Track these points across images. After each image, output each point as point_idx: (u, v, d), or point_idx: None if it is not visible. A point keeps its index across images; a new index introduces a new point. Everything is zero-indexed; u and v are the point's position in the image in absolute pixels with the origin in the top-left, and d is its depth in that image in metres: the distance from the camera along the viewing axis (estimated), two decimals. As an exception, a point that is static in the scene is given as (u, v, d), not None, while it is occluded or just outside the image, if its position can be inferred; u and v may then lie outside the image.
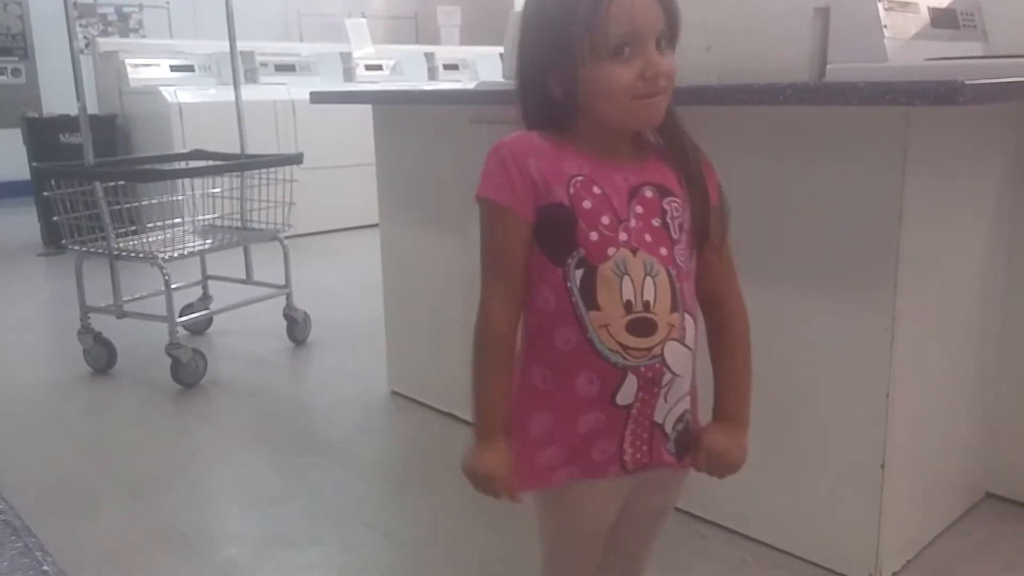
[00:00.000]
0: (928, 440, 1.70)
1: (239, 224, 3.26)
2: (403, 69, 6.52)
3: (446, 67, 6.85)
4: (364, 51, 6.35)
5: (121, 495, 2.09)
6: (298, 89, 5.24)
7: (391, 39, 8.06)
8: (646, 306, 0.94)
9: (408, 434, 2.48)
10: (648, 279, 0.95)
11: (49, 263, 4.99)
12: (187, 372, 2.79)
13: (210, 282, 3.40)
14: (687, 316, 0.98)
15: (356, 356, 3.09)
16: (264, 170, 3.11)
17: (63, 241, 2.95)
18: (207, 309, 3.32)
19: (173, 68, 5.50)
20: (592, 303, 0.93)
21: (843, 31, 1.83)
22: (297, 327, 3.25)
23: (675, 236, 0.97)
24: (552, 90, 0.95)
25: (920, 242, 1.51)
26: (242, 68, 4.93)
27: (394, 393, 2.70)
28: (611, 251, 0.94)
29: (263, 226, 3.19)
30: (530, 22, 0.97)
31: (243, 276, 3.35)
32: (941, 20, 1.97)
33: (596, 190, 0.95)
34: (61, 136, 5.14)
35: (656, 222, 0.96)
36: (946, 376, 1.73)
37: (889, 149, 1.44)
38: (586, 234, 0.93)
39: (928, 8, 1.94)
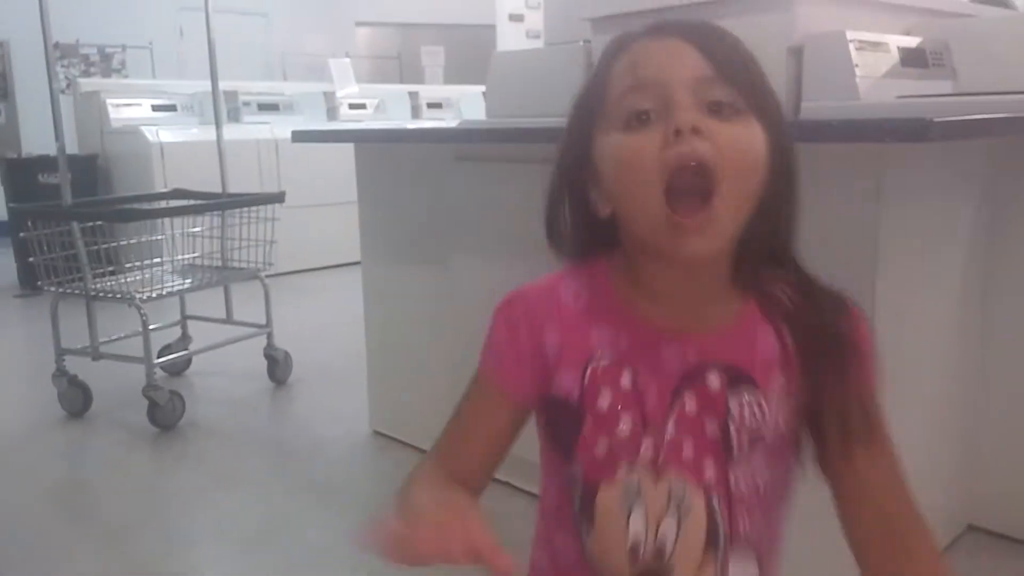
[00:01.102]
0: (908, 472, 1.69)
1: (219, 263, 3.24)
2: (387, 108, 6.56)
3: (430, 106, 6.90)
4: (348, 90, 6.39)
5: (97, 541, 2.05)
6: (281, 128, 5.26)
7: (375, 78, 8.12)
8: (659, 553, 0.68)
9: (390, 474, 2.44)
10: (670, 515, 0.68)
11: (25, 304, 4.94)
12: (164, 414, 2.75)
13: (189, 322, 3.37)
14: (742, 562, 0.70)
15: (337, 396, 3.06)
16: (245, 209, 3.10)
17: (39, 282, 2.92)
18: (186, 350, 3.28)
19: (155, 108, 5.51)
20: (590, 531, 0.71)
21: (816, 71, 1.86)
22: (278, 367, 3.22)
23: (736, 451, 0.68)
24: (574, 196, 0.74)
25: (897, 273, 1.52)
26: (225, 107, 4.93)
27: (376, 433, 2.67)
28: (622, 469, 0.69)
29: (244, 265, 3.17)
30: (568, 115, 0.75)
31: (223, 315, 3.32)
32: (911, 59, 2.00)
33: (625, 380, 0.70)
34: (40, 176, 5.11)
35: (711, 429, 0.68)
36: (925, 407, 1.73)
37: (864, 184, 1.46)
38: (590, 443, 0.70)
39: (898, 48, 1.98)
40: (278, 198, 3.12)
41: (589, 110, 0.70)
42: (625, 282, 0.73)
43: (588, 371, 0.70)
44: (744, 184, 0.65)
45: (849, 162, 1.48)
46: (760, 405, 0.68)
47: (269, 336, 3.20)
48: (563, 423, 0.71)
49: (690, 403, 0.68)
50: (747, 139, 0.65)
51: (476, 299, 2.38)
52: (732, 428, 0.68)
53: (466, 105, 6.85)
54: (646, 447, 0.68)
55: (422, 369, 2.47)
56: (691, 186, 0.63)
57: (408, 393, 2.55)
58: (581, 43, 2.37)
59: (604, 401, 0.69)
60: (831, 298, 0.72)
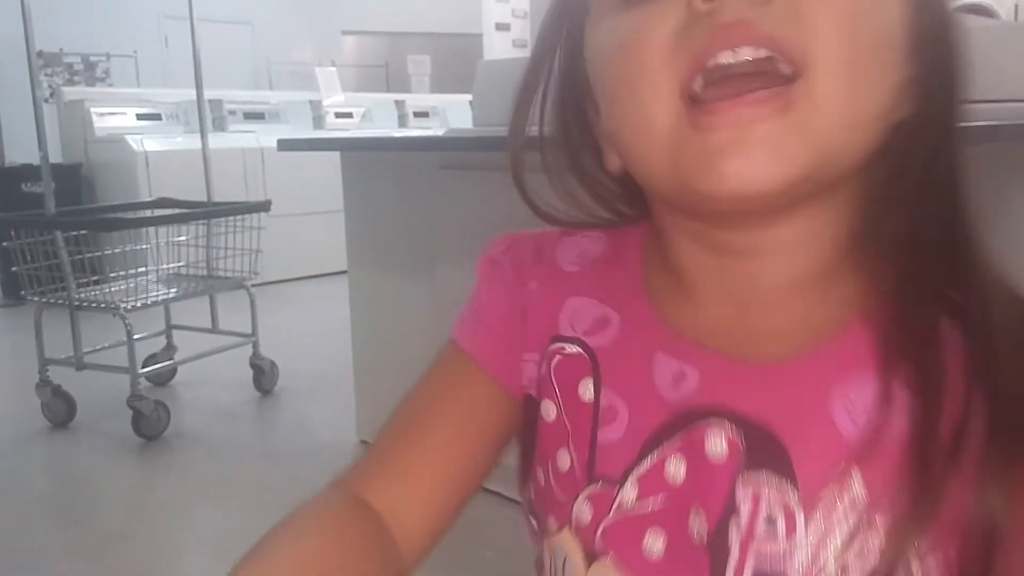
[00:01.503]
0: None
1: (205, 272, 3.22)
2: (373, 116, 6.55)
3: (416, 114, 6.90)
4: (334, 99, 6.38)
5: (82, 551, 2.02)
6: (267, 137, 5.23)
7: (361, 87, 8.12)
8: None
9: (377, 484, 2.43)
10: None
11: (8, 314, 4.89)
12: (149, 424, 2.72)
13: (175, 331, 3.35)
14: None
15: (324, 405, 3.04)
16: (231, 217, 3.09)
17: (22, 292, 2.89)
18: (171, 359, 3.26)
19: (140, 116, 5.48)
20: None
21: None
22: (264, 376, 3.20)
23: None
24: (569, 130, 0.49)
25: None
26: (210, 116, 4.92)
27: (363, 442, 2.66)
28: (551, 523, 0.48)
29: (229, 274, 3.16)
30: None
31: (209, 325, 3.30)
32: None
33: (583, 390, 0.47)
34: (23, 186, 5.07)
35: (697, 526, 0.42)
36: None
37: None
38: (533, 464, 0.50)
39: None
40: (263, 207, 3.11)
41: None
42: (656, 265, 0.48)
43: (549, 356, 0.49)
44: (866, 68, 0.37)
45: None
46: (790, 511, 0.39)
47: (255, 345, 3.18)
48: (523, 427, 0.51)
49: (674, 464, 0.43)
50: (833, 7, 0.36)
51: (460, 306, 2.38)
52: (733, 537, 0.40)
53: (453, 114, 6.85)
54: (582, 507, 0.45)
55: (409, 378, 2.43)
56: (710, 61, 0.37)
57: (395, 402, 2.53)
58: (567, 52, 2.38)
59: (551, 414, 0.48)
60: (1001, 301, 0.39)
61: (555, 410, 0.48)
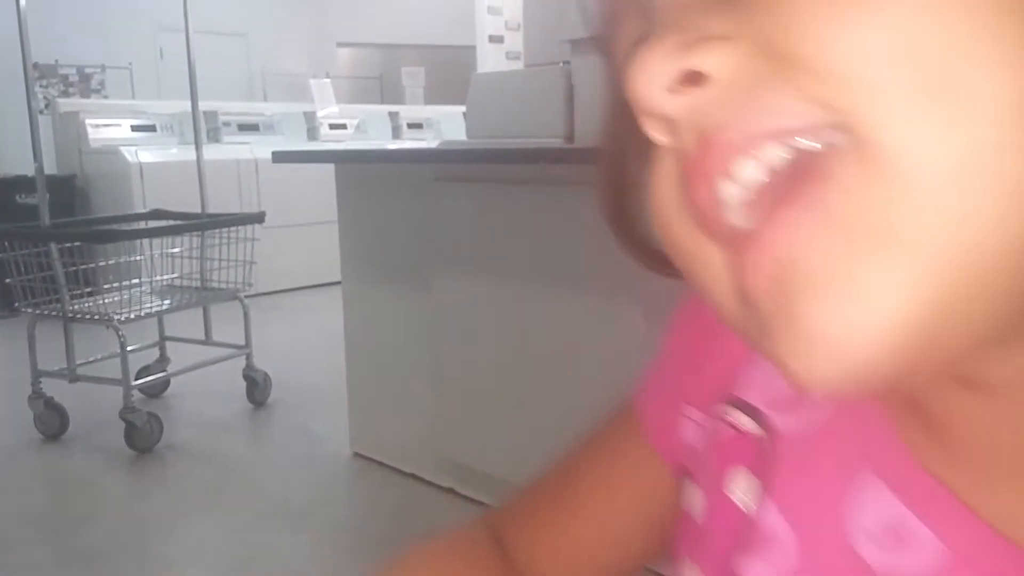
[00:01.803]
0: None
1: (199, 284, 3.22)
2: (367, 128, 6.57)
3: (410, 126, 6.92)
4: (328, 110, 6.40)
5: (74, 564, 2.01)
6: (261, 148, 5.25)
7: (356, 99, 8.13)
8: None
9: (371, 497, 2.43)
10: None
11: (1, 326, 4.87)
12: (142, 437, 2.71)
13: (168, 343, 3.34)
14: None
15: (318, 417, 3.04)
16: (225, 229, 3.09)
17: (16, 304, 2.89)
18: (164, 371, 3.25)
19: (134, 128, 5.48)
20: None
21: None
22: (257, 388, 3.19)
23: None
24: None
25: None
26: (204, 128, 4.93)
27: (356, 455, 2.65)
28: None
29: (223, 286, 3.15)
30: None
31: (202, 336, 3.30)
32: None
33: (736, 486, 0.35)
34: (17, 197, 5.07)
35: None
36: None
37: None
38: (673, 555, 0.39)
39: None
40: (258, 218, 3.11)
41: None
42: None
43: (709, 422, 0.38)
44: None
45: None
46: None
47: (248, 357, 3.18)
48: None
49: None
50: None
51: (457, 319, 2.40)
52: None
53: (446, 125, 6.87)
54: None
55: (403, 390, 2.46)
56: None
57: (388, 414, 2.54)
58: (561, 64, 2.39)
59: (691, 498, 0.38)
60: None
61: (701, 500, 0.36)
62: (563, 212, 1.94)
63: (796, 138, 0.22)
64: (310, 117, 6.26)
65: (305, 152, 2.91)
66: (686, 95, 0.23)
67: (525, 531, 0.46)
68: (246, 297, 3.16)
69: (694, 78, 0.23)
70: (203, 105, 3.48)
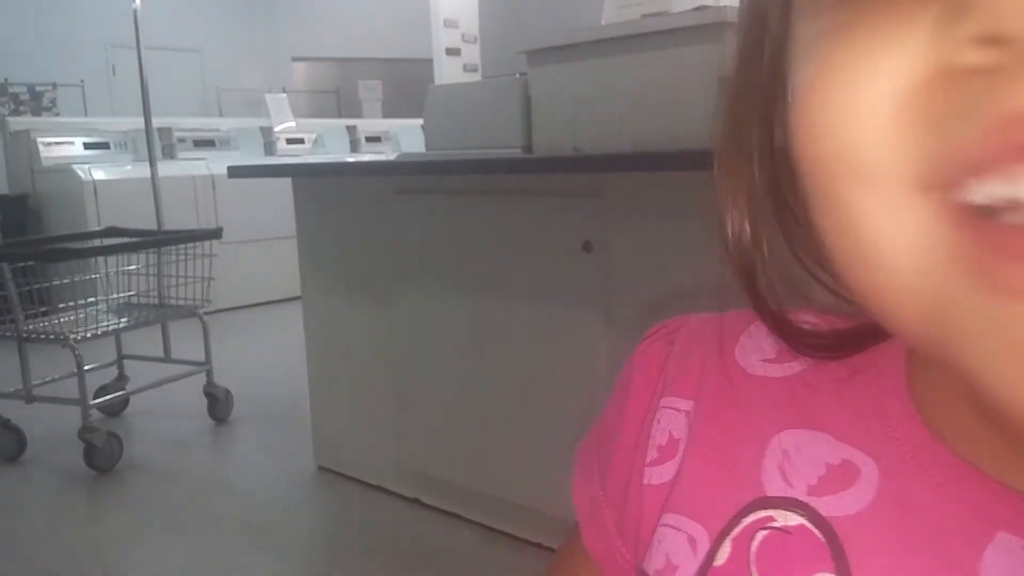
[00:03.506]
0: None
1: (156, 301, 3.19)
2: (325, 142, 6.55)
3: (368, 139, 6.91)
4: (285, 125, 6.37)
5: (30, 591, 1.98)
6: (218, 164, 5.20)
7: (313, 113, 8.11)
8: None
9: (336, 511, 2.42)
10: None
11: (-47, 349, 4.77)
12: (102, 457, 2.68)
13: (126, 361, 3.30)
14: None
15: (280, 432, 3.02)
16: (182, 246, 3.07)
17: (-31, 325, 2.83)
18: (123, 390, 3.21)
19: (87, 146, 5.41)
20: None
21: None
22: (218, 405, 3.17)
23: None
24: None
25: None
26: (159, 144, 4.88)
27: (321, 468, 2.64)
28: None
29: (181, 303, 3.13)
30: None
31: (161, 354, 3.26)
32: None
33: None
34: (-32, 217, 4.97)
35: None
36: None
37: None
38: None
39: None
40: (214, 234, 3.09)
41: None
42: (944, 377, 0.27)
43: (730, 533, 0.30)
44: None
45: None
46: None
47: (209, 374, 3.15)
48: None
49: None
50: None
51: (418, 331, 2.40)
52: None
53: (405, 138, 6.87)
54: None
55: (366, 402, 2.46)
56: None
57: (352, 427, 2.54)
58: (517, 75, 2.42)
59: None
60: None
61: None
62: (523, 222, 1.96)
63: None
64: (266, 132, 6.24)
65: (261, 166, 2.91)
66: None
67: None
68: (205, 314, 3.13)
69: None
70: (157, 121, 3.45)
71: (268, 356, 4.19)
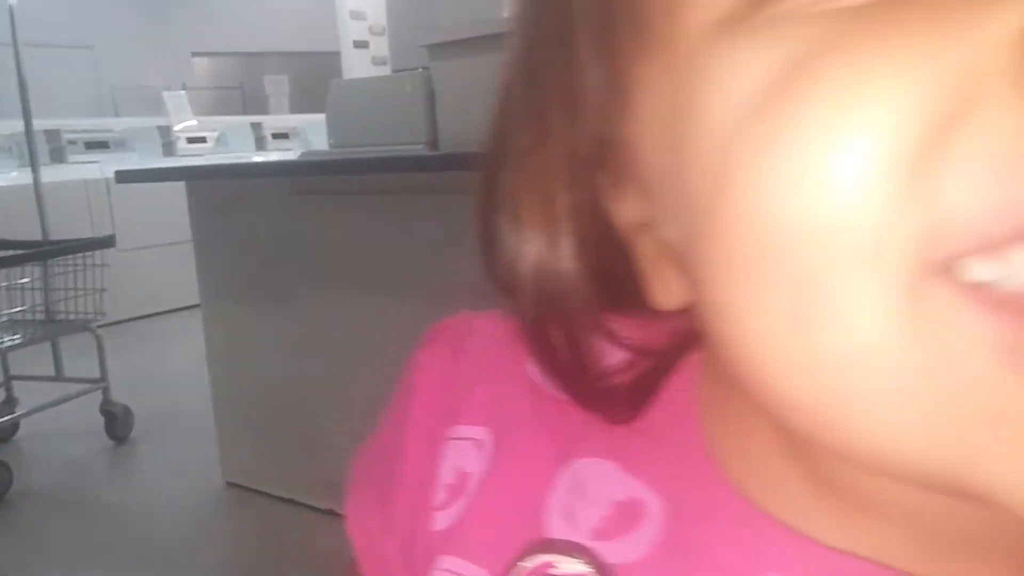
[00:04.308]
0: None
1: (45, 317, 3.01)
2: (228, 140, 6.34)
3: (275, 136, 6.72)
4: (185, 124, 6.14)
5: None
6: (112, 167, 4.93)
7: (216, 110, 7.84)
8: None
9: (248, 528, 2.32)
10: None
11: None
12: (-11, 486, 2.51)
13: (15, 382, 3.11)
14: None
15: (185, 448, 2.88)
16: (71, 256, 2.90)
17: None
18: (12, 413, 3.02)
19: (-35, 151, 5.09)
20: None
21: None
22: (117, 423, 3.00)
23: None
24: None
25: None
26: (47, 147, 4.63)
27: (229, 484, 2.53)
28: None
29: (73, 316, 2.96)
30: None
31: (52, 373, 3.09)
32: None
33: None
34: None
35: None
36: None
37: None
38: None
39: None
40: (106, 243, 2.93)
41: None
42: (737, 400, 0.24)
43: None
44: None
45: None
46: None
47: (105, 391, 2.99)
48: None
49: None
50: None
51: (324, 336, 2.32)
52: None
53: (314, 134, 6.71)
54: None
55: (274, 412, 2.36)
56: None
57: (260, 438, 2.44)
58: (420, 70, 2.35)
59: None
60: None
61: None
62: (429, 221, 1.89)
63: None
64: (165, 131, 5.99)
65: (151, 171, 2.77)
66: None
67: None
68: (100, 327, 2.97)
69: None
70: (44, 123, 3.26)
71: (170, 368, 4.00)
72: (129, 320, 4.95)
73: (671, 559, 0.25)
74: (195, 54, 9.05)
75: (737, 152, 0.18)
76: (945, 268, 0.16)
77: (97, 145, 5.51)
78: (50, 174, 3.22)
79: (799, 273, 0.17)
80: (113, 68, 8.15)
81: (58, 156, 5.20)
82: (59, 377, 3.09)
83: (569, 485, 0.27)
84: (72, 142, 5.37)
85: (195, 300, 2.58)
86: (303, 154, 2.76)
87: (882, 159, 0.16)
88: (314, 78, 8.27)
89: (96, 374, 2.97)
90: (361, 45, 7.89)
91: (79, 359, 3.07)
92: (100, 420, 3.00)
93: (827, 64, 0.16)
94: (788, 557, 0.23)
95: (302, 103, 8.16)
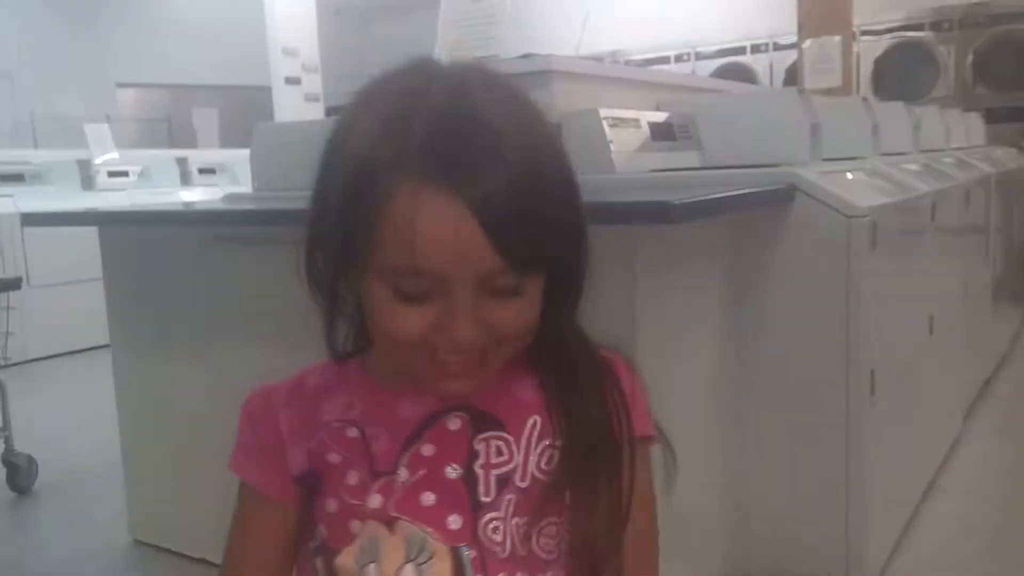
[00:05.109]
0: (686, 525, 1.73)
1: (-57, 361, 2.85)
2: (152, 175, 6.16)
3: (202, 171, 6.56)
4: (107, 157, 5.95)
5: None
6: (28, 201, 4.75)
7: (142, 143, 7.65)
8: None
9: (153, 589, 2.20)
10: (409, 565, 0.64)
11: None
12: None
13: (-92, 430, 2.92)
14: None
15: (91, 502, 2.74)
16: (-27, 298, 2.75)
17: None
18: (-96, 463, 2.83)
19: None
20: None
21: (574, 146, 1.89)
22: (19, 473, 2.84)
23: (485, 496, 0.65)
24: (335, 283, 0.70)
25: (654, 348, 1.56)
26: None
27: (137, 542, 2.41)
28: (354, 526, 0.66)
29: (-26, 361, 2.81)
30: (329, 159, 0.68)
31: (-50, 421, 2.91)
32: (660, 134, 2.12)
33: (352, 432, 0.68)
34: None
35: (453, 472, 0.66)
36: (695, 476, 1.78)
37: (619, 261, 1.49)
38: (324, 504, 0.68)
39: (648, 123, 2.09)
40: (12, 285, 2.80)
41: (348, 239, 0.62)
42: (379, 364, 0.71)
43: (315, 437, 0.68)
44: (518, 344, 0.65)
45: (604, 241, 1.51)
46: (508, 445, 0.66)
47: (7, 439, 2.83)
48: (308, 501, 0.69)
49: (427, 447, 0.66)
50: (523, 314, 0.62)
51: (239, 389, 2.20)
52: (480, 469, 0.65)
53: (242, 170, 6.56)
54: (374, 499, 0.65)
55: (185, 466, 2.26)
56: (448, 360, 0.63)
57: (171, 494, 2.33)
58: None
59: (335, 457, 0.67)
60: (588, 346, 0.71)
61: (339, 454, 0.67)
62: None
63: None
64: (85, 165, 5.79)
65: (61, 214, 2.66)
66: None
67: None
68: (3, 369, 2.82)
69: None
70: (-49, 155, 3.10)
71: (78, 415, 3.80)
72: (39, 359, 4.73)
73: (360, 409, 0.71)
74: (119, 85, 8.84)
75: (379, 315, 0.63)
76: (425, 347, 0.65)
77: (12, 178, 5.29)
78: (-43, 208, 3.07)
79: (397, 350, 0.65)
80: (33, 96, 7.90)
81: (-32, 189, 4.97)
82: (-44, 426, 2.90)
83: (327, 406, 0.73)
84: (-16, 174, 5.15)
85: (108, 340, 2.47)
86: (225, 196, 2.69)
87: (427, 320, 0.62)
88: (245, 112, 8.13)
89: (-3, 422, 2.82)
90: (293, 81, 7.83)
91: (-21, 406, 2.90)
92: (1, 471, 2.84)
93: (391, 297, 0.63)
94: (372, 392, 0.70)
95: (232, 138, 8.02)
